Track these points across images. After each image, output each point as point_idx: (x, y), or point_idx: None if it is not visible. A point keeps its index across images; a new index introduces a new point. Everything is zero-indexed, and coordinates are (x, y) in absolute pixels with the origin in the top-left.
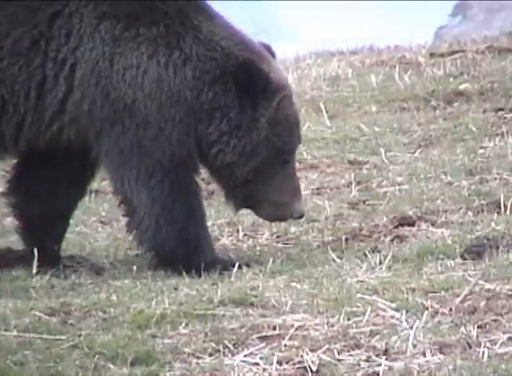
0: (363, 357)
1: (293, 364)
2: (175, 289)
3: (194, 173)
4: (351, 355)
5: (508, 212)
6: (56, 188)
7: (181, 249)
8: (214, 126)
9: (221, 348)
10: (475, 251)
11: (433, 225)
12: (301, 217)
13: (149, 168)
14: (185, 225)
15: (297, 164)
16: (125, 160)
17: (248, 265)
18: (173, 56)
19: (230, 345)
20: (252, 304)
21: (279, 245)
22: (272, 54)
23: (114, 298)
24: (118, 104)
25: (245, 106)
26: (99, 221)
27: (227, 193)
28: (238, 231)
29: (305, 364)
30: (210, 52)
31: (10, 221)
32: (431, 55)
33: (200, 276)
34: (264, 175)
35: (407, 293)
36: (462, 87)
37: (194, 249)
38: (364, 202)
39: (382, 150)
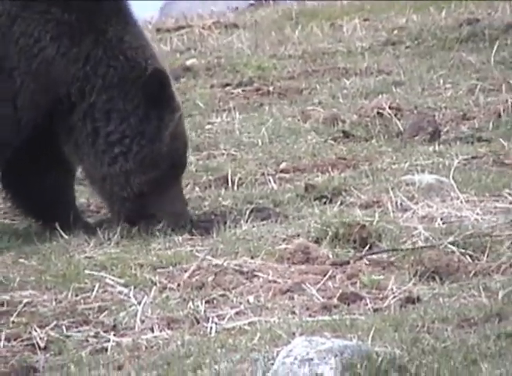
0: (91, 333)
1: (22, 341)
2: None
3: None
4: (79, 331)
5: (235, 188)
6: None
7: None
8: (113, 126)
9: None
10: (203, 227)
11: None
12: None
13: None
14: None
15: None
16: None
17: None
18: (71, 51)
19: None
20: None
21: (7, 221)
22: None
23: None
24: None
25: (151, 115)
26: None
27: (114, 205)
28: None
29: (34, 341)
30: (109, 58)
31: None
32: (158, 30)
33: None
34: (159, 188)
35: (135, 269)
36: (189, 62)
37: None
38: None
39: None
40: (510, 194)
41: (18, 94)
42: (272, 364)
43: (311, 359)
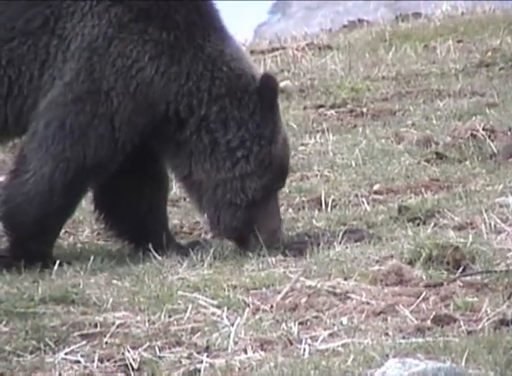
0: (184, 354)
1: (115, 362)
2: None
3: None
4: (172, 352)
5: (329, 209)
6: (134, 188)
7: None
8: (232, 134)
9: (42, 346)
10: (296, 248)
11: None
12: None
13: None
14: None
15: None
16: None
17: (69, 263)
18: (171, 69)
19: (51, 343)
20: (73, 301)
21: (100, 242)
22: None
23: None
24: (94, 86)
25: (267, 119)
26: None
27: (223, 215)
28: None
29: (126, 362)
30: (212, 72)
31: None
32: (252, 52)
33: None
34: (265, 199)
35: (228, 290)
36: (282, 84)
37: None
38: (185, 199)
39: None
40: None
41: (115, 114)
42: None
43: None
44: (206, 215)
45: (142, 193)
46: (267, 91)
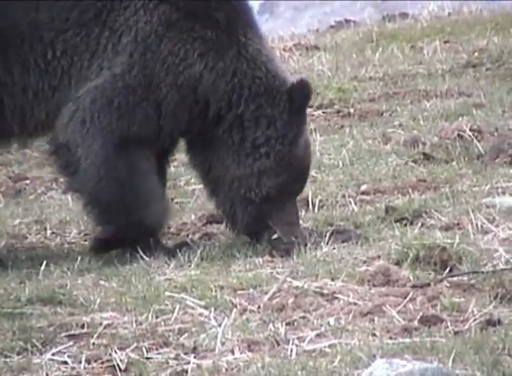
0: (172, 355)
1: (102, 362)
2: None
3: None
4: (159, 353)
5: (316, 209)
6: None
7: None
8: (261, 131)
9: (29, 347)
10: (283, 249)
11: None
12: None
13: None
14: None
15: None
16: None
17: (56, 263)
18: (218, 65)
19: (38, 344)
20: (60, 302)
21: (87, 243)
22: None
23: None
24: (146, 80)
25: (293, 121)
26: None
27: (236, 210)
28: (46, 229)
29: (114, 362)
30: (253, 70)
31: None
32: None
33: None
34: (282, 198)
35: (215, 290)
36: None
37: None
38: (172, 200)
39: None
40: None
41: (163, 104)
42: None
43: None
44: (222, 211)
45: None
46: (300, 95)
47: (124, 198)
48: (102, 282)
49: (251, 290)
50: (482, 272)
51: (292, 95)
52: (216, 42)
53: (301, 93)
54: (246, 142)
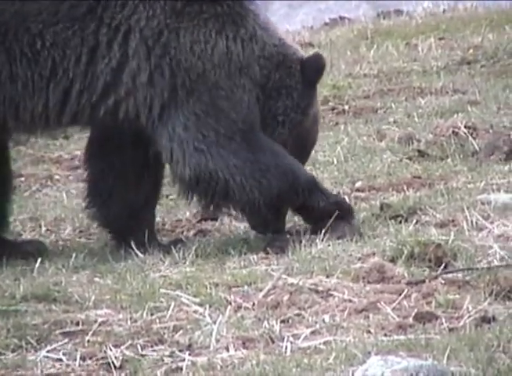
0: (167, 352)
1: (97, 360)
2: None
3: None
4: (154, 350)
5: None
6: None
7: (290, 190)
8: (281, 102)
9: (23, 344)
10: (278, 246)
11: (236, 219)
12: None
13: (227, 129)
14: (284, 170)
15: None
16: (202, 124)
17: (51, 260)
18: (240, 32)
19: (33, 341)
20: (55, 299)
21: (82, 240)
22: None
23: None
24: (190, 73)
25: (305, 93)
26: None
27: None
28: (40, 226)
29: (109, 360)
30: (271, 38)
31: None
32: None
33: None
34: None
35: (210, 288)
36: None
37: (302, 188)
38: (167, 197)
39: None
40: None
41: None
42: None
43: None
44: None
45: (141, 187)
46: (313, 68)
47: (285, 176)
48: (96, 279)
49: (246, 287)
50: (477, 268)
51: (306, 67)
52: (230, 14)
53: (314, 66)
54: (269, 113)
